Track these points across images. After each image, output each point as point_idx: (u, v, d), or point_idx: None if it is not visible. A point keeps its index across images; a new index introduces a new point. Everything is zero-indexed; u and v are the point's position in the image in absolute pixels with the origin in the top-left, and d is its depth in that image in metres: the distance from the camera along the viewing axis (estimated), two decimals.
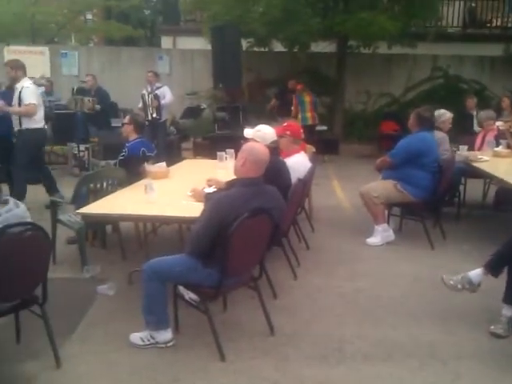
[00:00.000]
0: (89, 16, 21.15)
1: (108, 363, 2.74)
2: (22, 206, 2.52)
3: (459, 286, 3.19)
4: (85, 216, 3.47)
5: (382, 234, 4.70)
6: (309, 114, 9.00)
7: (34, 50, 11.68)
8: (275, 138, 3.77)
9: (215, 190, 3.62)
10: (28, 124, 5.58)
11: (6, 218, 2.36)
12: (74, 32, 18.92)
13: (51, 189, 5.91)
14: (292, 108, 8.97)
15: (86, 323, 3.18)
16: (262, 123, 3.90)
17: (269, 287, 3.50)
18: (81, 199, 4.00)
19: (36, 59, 11.05)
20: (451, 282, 3.22)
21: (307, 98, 9.02)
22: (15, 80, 5.62)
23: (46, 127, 5.96)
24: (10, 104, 5.65)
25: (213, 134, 8.89)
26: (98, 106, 7.87)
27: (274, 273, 3.64)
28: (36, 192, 6.02)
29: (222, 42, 7.99)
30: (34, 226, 2.43)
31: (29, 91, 5.53)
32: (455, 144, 5.65)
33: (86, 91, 8.10)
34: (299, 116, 8.89)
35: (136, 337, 2.88)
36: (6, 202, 2.45)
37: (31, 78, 8.42)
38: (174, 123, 9.65)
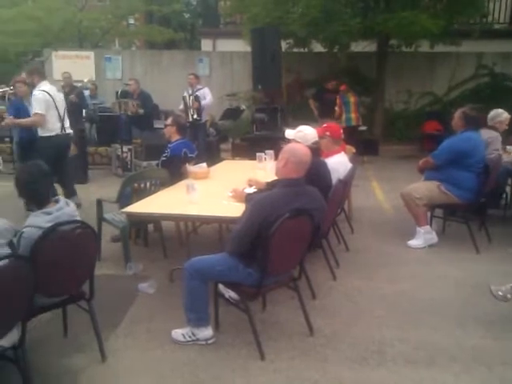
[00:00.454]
0: (131, 21, 21.73)
1: (151, 359, 2.81)
2: (72, 204, 2.63)
3: (509, 296, 3.09)
4: (129, 215, 3.57)
5: (424, 237, 4.60)
6: (353, 115, 8.91)
7: (81, 54, 12.10)
8: (316, 138, 3.76)
9: (255, 190, 3.65)
10: (41, 132, 5.39)
11: (57, 216, 2.47)
12: (117, 37, 19.47)
13: (68, 195, 5.59)
14: (336, 108, 8.89)
15: (129, 319, 3.28)
16: (301, 124, 3.90)
17: (308, 288, 3.49)
18: (125, 199, 4.12)
19: (82, 63, 11.47)
20: (500, 293, 3.12)
21: (352, 99, 8.94)
22: (33, 86, 5.44)
23: (66, 132, 5.53)
24: (27, 114, 5.57)
25: (251, 135, 8.95)
26: (141, 111, 8.06)
27: (313, 274, 3.63)
28: (85, 191, 6.24)
29: (262, 43, 8.03)
30: (82, 224, 2.53)
31: (35, 99, 5.26)
32: (503, 145, 5.47)
33: (129, 94, 8.32)
34: (343, 117, 8.81)
35: (178, 333, 2.94)
36: (57, 201, 2.56)
37: (79, 81, 8.78)
38: (214, 124, 9.77)
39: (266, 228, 2.62)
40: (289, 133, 3.78)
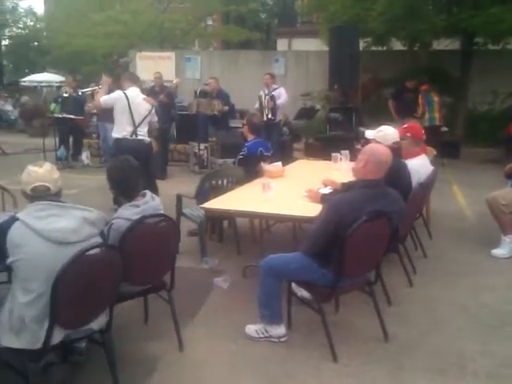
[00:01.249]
0: (209, 21, 22.34)
1: (225, 351, 2.88)
2: (157, 199, 2.76)
3: None
4: (207, 210, 3.68)
5: (510, 246, 4.33)
6: (437, 115, 8.63)
7: (163, 55, 12.63)
8: (397, 138, 3.66)
9: (331, 190, 3.62)
10: (113, 133, 5.51)
11: (143, 209, 2.61)
12: (196, 37, 20.09)
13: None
14: (417, 108, 8.61)
15: (205, 311, 3.38)
16: (376, 124, 3.81)
17: (383, 293, 3.41)
18: (202, 195, 4.25)
19: (164, 64, 11.96)
20: None
21: (436, 98, 8.67)
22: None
23: (137, 137, 5.40)
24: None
25: (325, 134, 8.87)
26: (226, 107, 8.25)
27: (388, 279, 3.53)
28: (165, 186, 6.50)
29: (340, 42, 7.94)
30: (166, 218, 2.65)
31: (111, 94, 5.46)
32: None
33: (207, 94, 8.54)
34: (426, 116, 8.55)
35: (251, 329, 2.99)
36: (144, 195, 2.71)
37: (168, 81, 9.09)
38: (287, 124, 9.80)
39: (343, 229, 2.59)
40: (369, 133, 3.71)
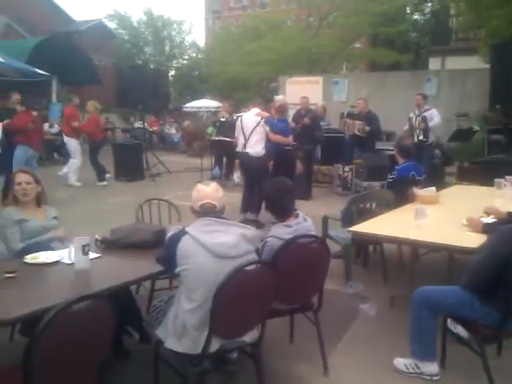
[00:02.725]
0: (357, 44, 22.32)
1: (371, 382, 2.77)
2: (309, 220, 2.81)
3: None
4: (354, 233, 3.63)
5: None
6: None
7: (311, 79, 12.96)
8: None
9: (495, 220, 3.31)
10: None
11: (295, 230, 2.67)
12: (344, 61, 20.23)
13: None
14: None
15: (350, 338, 3.31)
16: None
17: None
18: (348, 217, 4.21)
19: (311, 88, 12.25)
20: None
21: None
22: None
23: (245, 150, 6.19)
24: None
25: (483, 158, 8.16)
26: (367, 128, 8.16)
27: None
28: (309, 207, 6.59)
29: (503, 59, 7.27)
30: (318, 239, 2.68)
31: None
32: None
33: (354, 115, 8.51)
34: None
35: (400, 362, 2.84)
36: (296, 216, 2.78)
37: (312, 104, 9.42)
38: (439, 146, 9.25)
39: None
40: None
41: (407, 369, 2.80)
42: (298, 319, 3.09)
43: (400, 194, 4.31)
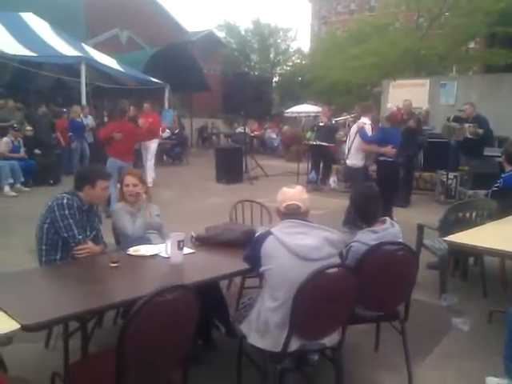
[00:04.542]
0: (471, 45, 20.91)
1: None
2: (397, 226, 2.75)
3: None
4: (450, 244, 3.46)
5: None
6: None
7: (416, 82, 12.42)
8: None
9: None
10: None
11: (381, 236, 2.64)
12: (455, 62, 19.08)
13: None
14: None
15: (440, 351, 3.17)
16: None
17: None
18: (446, 226, 4.00)
19: (417, 91, 11.75)
20: None
21: None
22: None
23: (347, 159, 6.24)
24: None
25: None
26: (480, 130, 7.64)
27: None
28: (406, 215, 6.37)
29: None
30: (405, 246, 2.62)
31: None
32: None
33: (462, 120, 8.02)
34: None
35: (493, 381, 2.67)
36: (383, 222, 2.74)
37: (415, 108, 9.15)
38: None
39: None
40: None
41: None
42: (385, 329, 3.03)
43: (505, 204, 4.02)
